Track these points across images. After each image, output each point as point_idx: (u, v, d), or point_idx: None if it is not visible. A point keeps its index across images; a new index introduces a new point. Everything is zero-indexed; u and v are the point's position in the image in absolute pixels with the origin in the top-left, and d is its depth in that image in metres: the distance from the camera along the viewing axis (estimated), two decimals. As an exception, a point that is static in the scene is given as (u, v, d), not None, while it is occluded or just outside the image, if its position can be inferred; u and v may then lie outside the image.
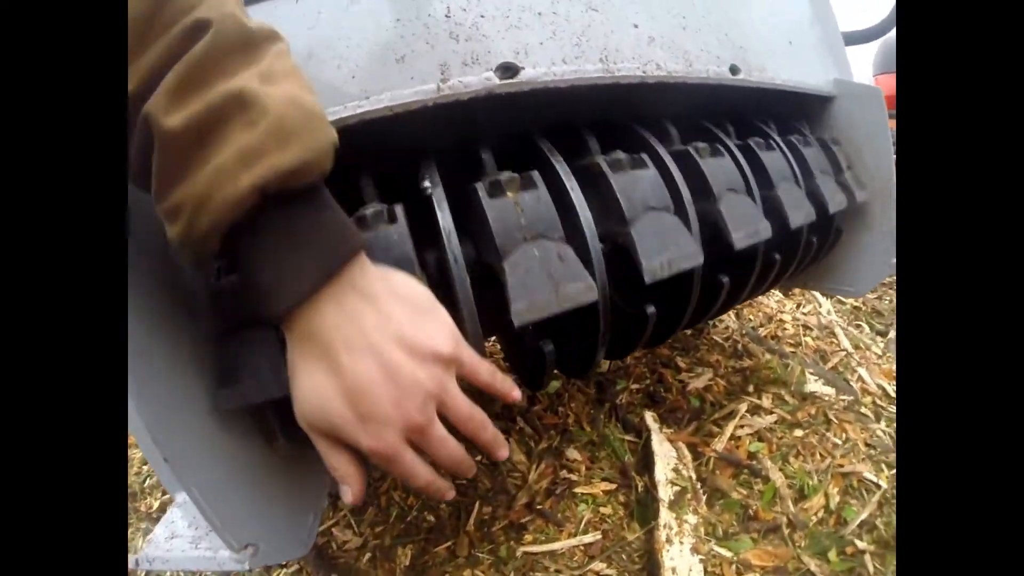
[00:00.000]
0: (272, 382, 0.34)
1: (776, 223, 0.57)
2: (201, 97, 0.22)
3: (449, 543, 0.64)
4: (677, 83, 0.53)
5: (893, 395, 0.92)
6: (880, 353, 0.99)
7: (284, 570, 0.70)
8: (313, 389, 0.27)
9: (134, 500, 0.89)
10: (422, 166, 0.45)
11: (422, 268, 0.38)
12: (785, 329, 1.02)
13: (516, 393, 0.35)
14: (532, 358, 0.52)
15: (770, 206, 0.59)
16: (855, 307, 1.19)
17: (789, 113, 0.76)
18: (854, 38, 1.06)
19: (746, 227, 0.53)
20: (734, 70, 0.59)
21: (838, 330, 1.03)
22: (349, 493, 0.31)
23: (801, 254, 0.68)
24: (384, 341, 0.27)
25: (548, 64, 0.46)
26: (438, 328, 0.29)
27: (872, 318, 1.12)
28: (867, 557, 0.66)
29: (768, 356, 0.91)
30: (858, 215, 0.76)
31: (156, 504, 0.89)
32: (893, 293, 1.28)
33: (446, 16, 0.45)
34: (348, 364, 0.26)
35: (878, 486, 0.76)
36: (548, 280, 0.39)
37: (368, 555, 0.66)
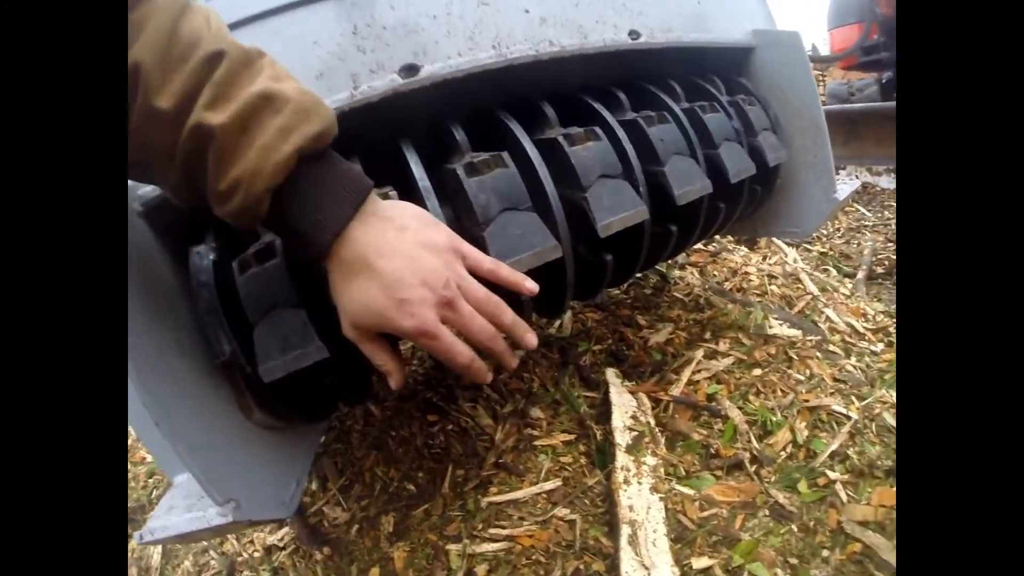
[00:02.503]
0: (304, 351, 0.45)
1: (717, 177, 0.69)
2: (236, 101, 0.32)
3: (426, 506, 0.75)
4: (574, 55, 0.63)
5: (862, 331, 1.00)
6: (848, 293, 1.07)
7: (283, 552, 0.82)
8: (357, 293, 0.37)
9: (143, 512, 1.03)
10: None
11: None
12: (750, 281, 1.11)
13: (529, 283, 0.43)
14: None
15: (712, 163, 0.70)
16: (822, 253, 1.27)
17: (726, 67, 0.86)
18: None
19: (689, 184, 0.65)
20: (634, 35, 0.69)
21: (803, 276, 1.11)
22: (393, 381, 0.41)
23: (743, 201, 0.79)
24: (405, 243, 0.37)
25: (445, 59, 0.57)
26: (443, 230, 0.41)
27: (840, 262, 1.20)
28: (838, 486, 0.74)
29: (731, 306, 1.01)
30: (792, 155, 0.84)
31: (166, 514, 1.03)
32: (861, 237, 1.35)
33: (353, 33, 0.56)
34: (381, 265, 0.36)
35: (848, 417, 0.83)
36: (522, 243, 0.51)
37: (356, 527, 0.78)
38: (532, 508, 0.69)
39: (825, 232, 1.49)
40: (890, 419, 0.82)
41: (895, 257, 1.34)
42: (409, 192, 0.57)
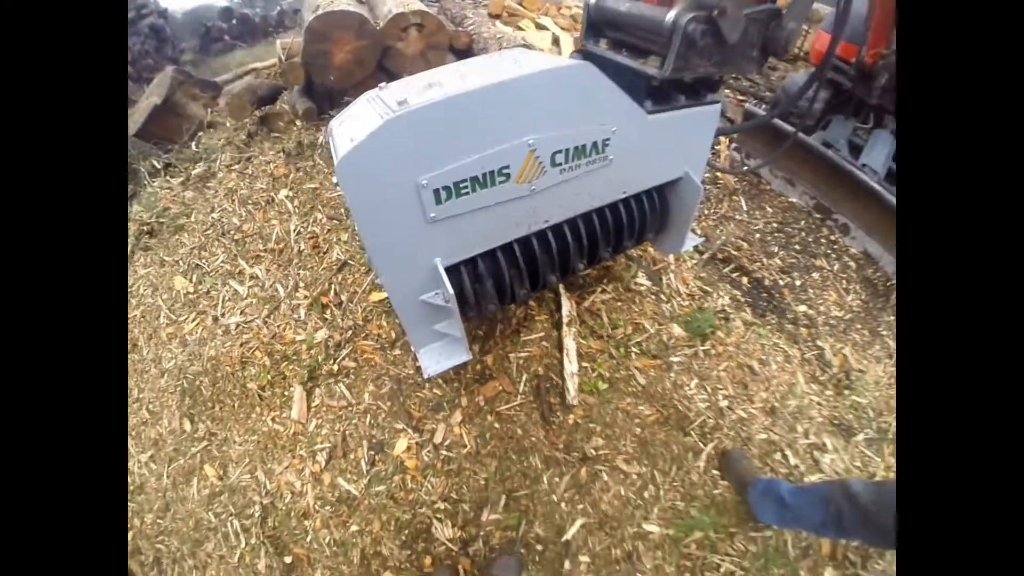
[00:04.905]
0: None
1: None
2: None
3: (494, 338, 2.11)
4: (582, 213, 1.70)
5: (681, 293, 2.40)
6: (691, 267, 2.43)
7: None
8: None
9: (319, 367, 2.26)
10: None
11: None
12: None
13: None
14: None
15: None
16: (692, 230, 2.58)
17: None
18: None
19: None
20: (623, 192, 1.74)
21: (669, 253, 2.43)
22: None
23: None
24: None
25: (542, 222, 1.62)
26: None
27: (703, 246, 2.52)
28: (633, 355, 2.24)
29: (624, 260, 2.32)
30: (670, 224, 2.02)
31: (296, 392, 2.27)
32: (726, 226, 2.65)
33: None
34: None
35: (648, 331, 2.30)
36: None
37: (460, 338, 2.13)
38: (535, 341, 2.09)
39: (707, 211, 2.74)
40: (665, 337, 2.30)
41: (736, 252, 2.66)
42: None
